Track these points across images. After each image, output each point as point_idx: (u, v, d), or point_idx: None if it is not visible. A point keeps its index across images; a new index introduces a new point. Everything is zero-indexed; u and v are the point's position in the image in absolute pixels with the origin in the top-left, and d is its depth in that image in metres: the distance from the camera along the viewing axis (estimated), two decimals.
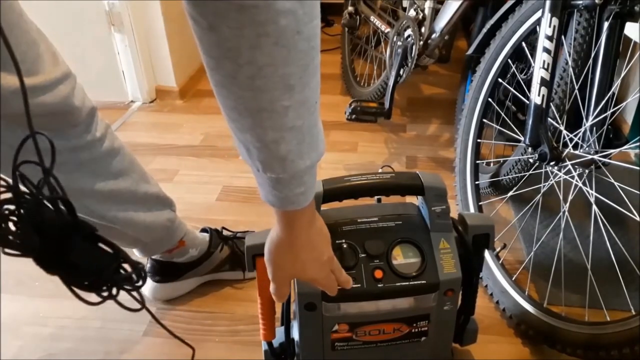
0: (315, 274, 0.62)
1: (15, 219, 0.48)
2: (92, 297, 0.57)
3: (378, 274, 0.69)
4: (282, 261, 0.60)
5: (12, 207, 0.48)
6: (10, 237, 0.48)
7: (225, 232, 1.14)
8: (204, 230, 1.11)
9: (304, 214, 0.56)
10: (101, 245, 0.57)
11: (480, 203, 1.17)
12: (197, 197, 1.42)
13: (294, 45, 0.41)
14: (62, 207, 0.52)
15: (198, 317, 1.05)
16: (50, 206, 0.50)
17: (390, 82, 1.52)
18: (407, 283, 0.69)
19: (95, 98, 0.84)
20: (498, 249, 1.11)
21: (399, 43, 1.56)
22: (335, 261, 0.65)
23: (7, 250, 0.49)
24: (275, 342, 0.80)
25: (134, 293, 0.62)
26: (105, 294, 0.59)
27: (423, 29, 1.50)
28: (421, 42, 1.49)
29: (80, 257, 0.55)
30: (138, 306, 0.62)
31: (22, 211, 0.48)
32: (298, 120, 0.46)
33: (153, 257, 1.04)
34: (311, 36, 0.42)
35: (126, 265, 0.60)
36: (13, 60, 0.48)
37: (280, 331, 0.79)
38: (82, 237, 0.55)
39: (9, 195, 0.47)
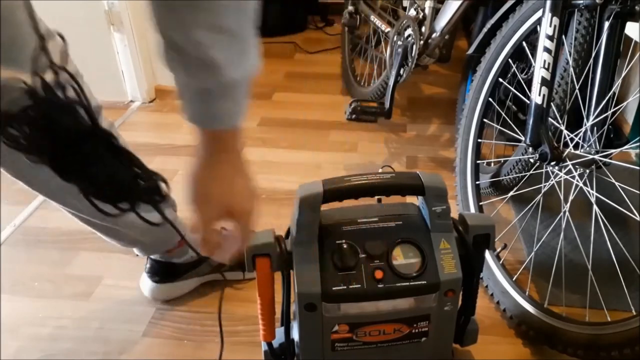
0: (248, 204, 0.56)
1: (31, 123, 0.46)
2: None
3: (378, 274, 0.69)
4: (210, 188, 0.53)
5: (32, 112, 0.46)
6: (23, 141, 0.47)
7: (224, 233, 1.13)
8: None
9: (236, 138, 0.51)
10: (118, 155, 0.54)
11: (480, 203, 1.17)
12: None
13: None
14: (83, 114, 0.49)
15: (198, 318, 1.05)
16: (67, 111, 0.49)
17: (391, 82, 1.51)
18: (408, 283, 0.69)
19: None
20: (498, 249, 1.10)
21: (399, 43, 1.55)
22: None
23: (29, 155, 0.48)
24: (275, 343, 0.79)
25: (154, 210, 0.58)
26: (124, 206, 0.55)
27: (423, 29, 1.50)
28: (421, 42, 1.48)
29: (96, 165, 0.52)
30: (159, 221, 0.58)
31: (36, 114, 0.47)
32: (233, 23, 0.44)
33: (153, 257, 1.04)
34: None
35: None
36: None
37: (280, 332, 0.79)
38: (99, 145, 0.52)
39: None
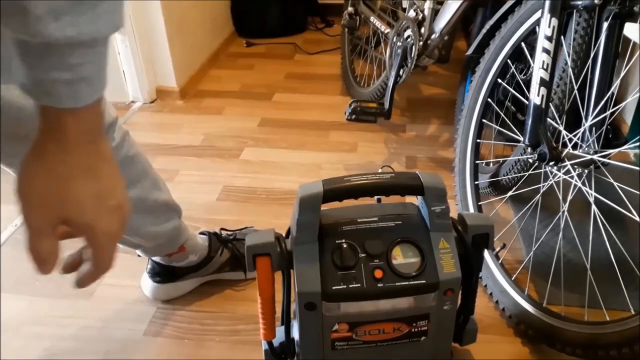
0: (92, 218, 0.43)
1: None
2: None
3: (378, 273, 0.69)
4: (33, 183, 0.40)
5: None
6: None
7: (224, 232, 1.14)
8: (202, 233, 1.11)
9: (79, 121, 0.39)
10: None
11: (479, 203, 1.18)
12: (198, 197, 1.42)
13: None
14: None
15: (199, 317, 1.05)
16: None
17: (390, 83, 1.52)
18: (407, 283, 0.69)
19: None
20: (497, 249, 1.11)
21: (399, 44, 1.56)
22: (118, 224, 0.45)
23: None
24: (276, 342, 0.80)
25: None
26: None
27: (423, 30, 1.51)
28: (421, 43, 1.49)
29: None
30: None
31: None
32: None
33: (154, 259, 1.05)
34: None
35: None
36: None
37: (280, 330, 0.79)
38: None
39: None
